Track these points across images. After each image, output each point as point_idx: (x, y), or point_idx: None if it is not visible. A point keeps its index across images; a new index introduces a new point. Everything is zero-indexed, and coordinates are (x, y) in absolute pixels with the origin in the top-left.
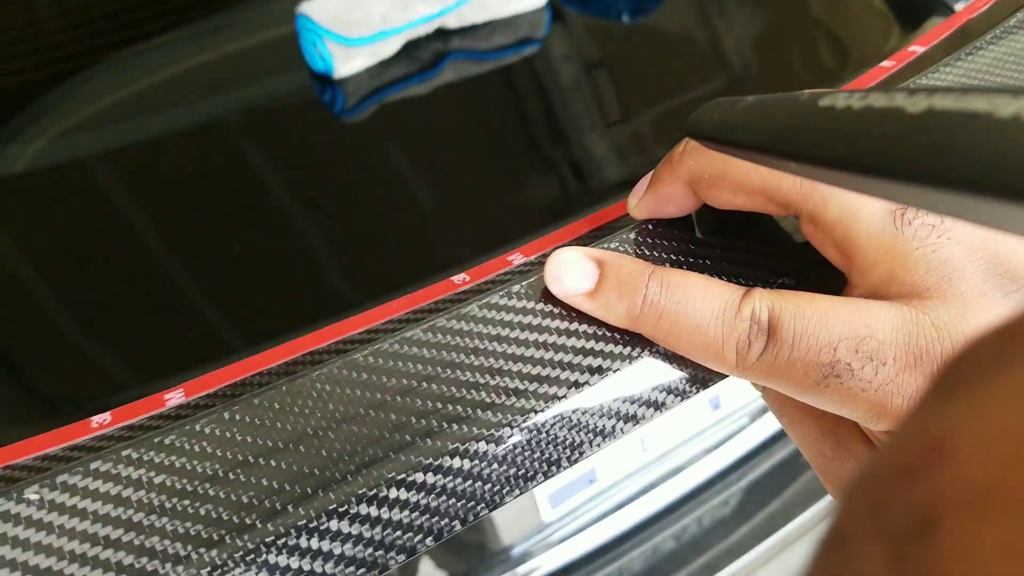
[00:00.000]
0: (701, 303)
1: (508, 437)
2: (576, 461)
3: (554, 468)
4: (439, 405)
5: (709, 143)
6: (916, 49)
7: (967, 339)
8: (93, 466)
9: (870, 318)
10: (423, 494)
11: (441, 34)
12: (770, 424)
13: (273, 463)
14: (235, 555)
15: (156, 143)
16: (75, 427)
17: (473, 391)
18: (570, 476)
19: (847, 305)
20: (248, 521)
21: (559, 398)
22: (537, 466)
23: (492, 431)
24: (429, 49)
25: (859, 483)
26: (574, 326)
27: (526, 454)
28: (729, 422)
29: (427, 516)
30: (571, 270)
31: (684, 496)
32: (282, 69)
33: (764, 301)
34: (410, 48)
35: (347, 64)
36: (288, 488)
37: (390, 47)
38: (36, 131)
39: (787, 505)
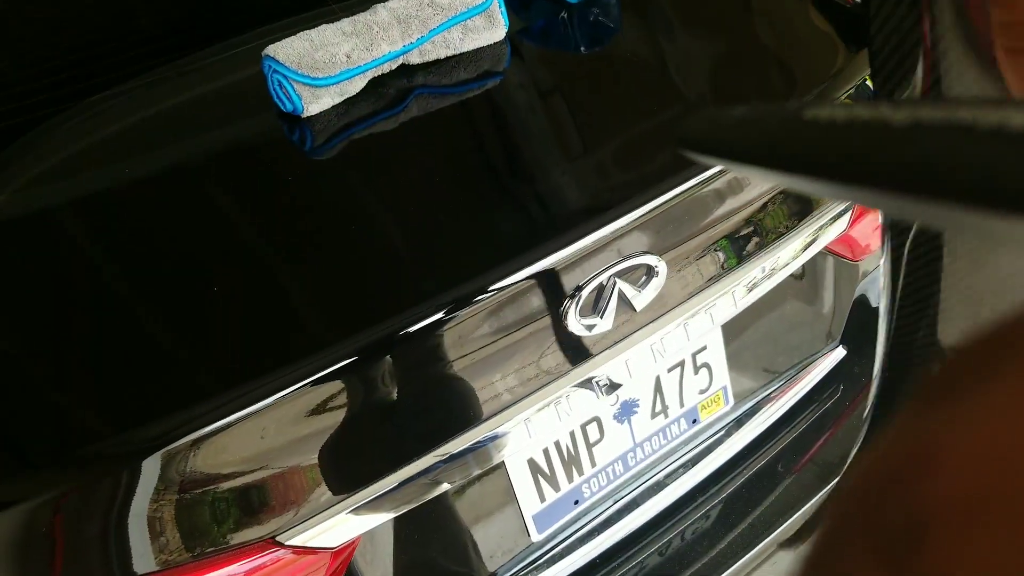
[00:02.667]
0: None
1: None
2: None
3: None
4: None
5: (697, 154)
6: None
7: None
8: None
9: None
10: None
11: (406, 71)
12: (746, 436)
13: None
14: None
15: (127, 187)
16: None
17: None
18: (554, 497)
19: None
20: None
21: None
22: None
23: None
24: (394, 86)
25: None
26: None
27: None
28: (707, 437)
29: None
30: None
31: (666, 511)
32: (250, 111)
33: None
34: (376, 85)
35: (315, 103)
36: None
37: (356, 85)
38: (2, 180)
39: (767, 515)
